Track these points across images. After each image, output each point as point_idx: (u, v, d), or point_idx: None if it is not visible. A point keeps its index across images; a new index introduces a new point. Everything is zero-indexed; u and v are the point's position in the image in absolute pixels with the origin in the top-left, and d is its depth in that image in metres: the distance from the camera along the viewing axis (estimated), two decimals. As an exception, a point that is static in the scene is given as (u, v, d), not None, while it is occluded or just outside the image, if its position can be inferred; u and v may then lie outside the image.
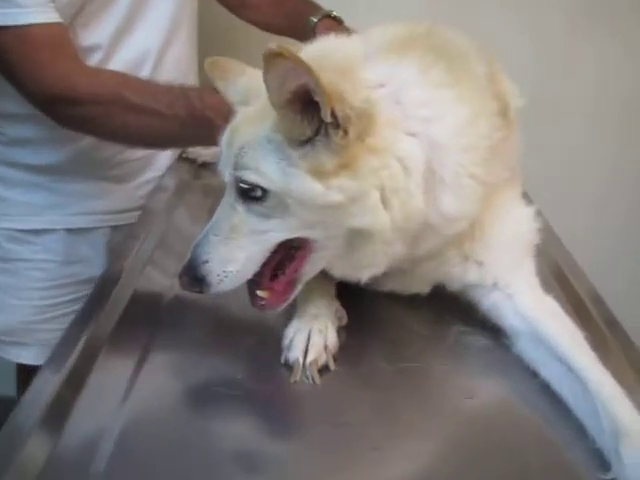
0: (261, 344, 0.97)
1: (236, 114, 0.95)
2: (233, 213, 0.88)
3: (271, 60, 0.75)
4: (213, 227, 0.90)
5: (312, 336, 0.92)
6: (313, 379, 0.89)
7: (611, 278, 1.60)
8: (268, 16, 1.69)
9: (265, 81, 0.78)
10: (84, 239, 1.53)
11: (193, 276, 0.89)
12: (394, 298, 1.05)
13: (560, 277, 1.16)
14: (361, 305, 1.04)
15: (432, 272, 1.01)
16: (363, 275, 0.94)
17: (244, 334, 1.00)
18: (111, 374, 0.92)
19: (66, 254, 1.52)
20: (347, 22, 1.57)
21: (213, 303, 1.04)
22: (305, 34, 1.52)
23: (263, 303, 0.92)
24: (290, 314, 0.97)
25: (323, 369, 0.91)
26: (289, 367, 0.91)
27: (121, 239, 1.45)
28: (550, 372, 0.90)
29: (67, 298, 1.53)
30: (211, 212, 1.36)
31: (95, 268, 1.53)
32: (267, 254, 0.89)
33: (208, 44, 1.71)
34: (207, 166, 1.64)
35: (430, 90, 0.90)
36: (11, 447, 0.75)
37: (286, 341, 0.93)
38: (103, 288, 1.11)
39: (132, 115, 1.18)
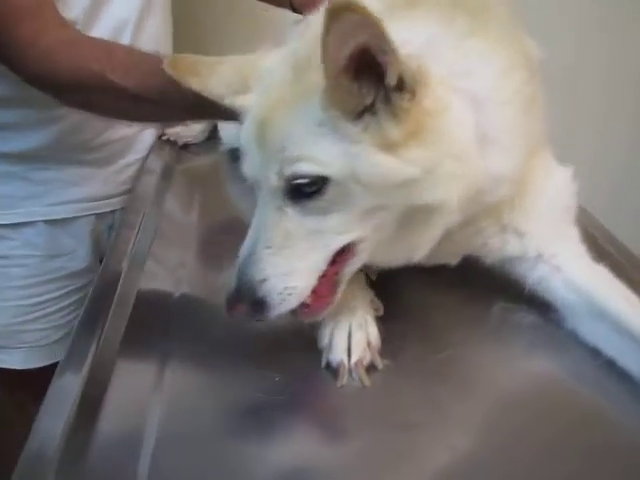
0: (294, 342, 0.88)
1: (248, 107, 0.83)
2: (283, 218, 0.77)
3: (337, 15, 0.64)
4: (260, 240, 0.78)
5: (353, 333, 0.83)
6: (361, 381, 0.81)
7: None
8: None
9: (325, 44, 0.67)
10: (66, 230, 1.43)
11: (253, 300, 0.77)
12: (424, 280, 0.97)
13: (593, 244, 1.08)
14: (392, 291, 0.96)
15: (465, 241, 0.93)
16: (417, 255, 0.85)
17: (270, 332, 0.90)
18: (131, 387, 0.82)
19: (48, 248, 1.42)
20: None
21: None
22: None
23: (306, 310, 0.81)
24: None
25: (370, 368, 0.83)
26: (330, 369, 0.83)
27: (113, 227, 1.40)
28: (612, 346, 0.84)
29: (52, 295, 1.45)
30: (202, 201, 1.32)
31: (79, 261, 1.46)
32: (329, 261, 0.79)
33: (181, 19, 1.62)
34: (188, 148, 1.60)
35: (458, 44, 0.81)
36: None
37: (325, 341, 0.84)
38: (104, 289, 1.01)
39: (121, 100, 1.08)
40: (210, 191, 1.41)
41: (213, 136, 1.59)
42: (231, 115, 0.88)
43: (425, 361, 0.86)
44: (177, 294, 1.01)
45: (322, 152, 0.73)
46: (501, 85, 0.82)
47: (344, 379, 0.81)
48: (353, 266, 0.82)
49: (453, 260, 0.96)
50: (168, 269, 1.08)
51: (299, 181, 0.75)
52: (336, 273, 0.81)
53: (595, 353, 0.85)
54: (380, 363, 0.83)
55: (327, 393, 0.82)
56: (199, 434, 0.75)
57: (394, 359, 0.85)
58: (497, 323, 0.93)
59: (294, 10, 1.42)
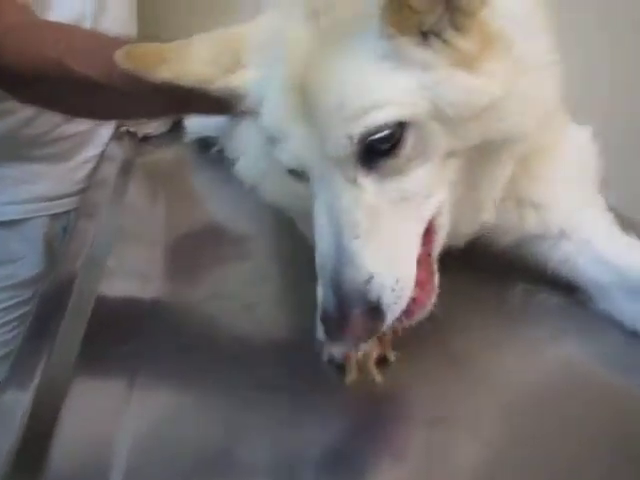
0: (285, 340, 0.78)
1: (269, 76, 0.70)
2: (360, 193, 0.65)
3: None
4: (343, 230, 0.64)
5: None
6: (372, 376, 0.69)
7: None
8: None
9: None
10: (15, 233, 1.33)
11: (367, 308, 0.63)
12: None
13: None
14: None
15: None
16: (483, 215, 0.79)
17: (257, 330, 0.81)
18: (92, 407, 0.69)
19: (-5, 253, 1.31)
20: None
21: (205, 306, 0.88)
22: None
23: (414, 307, 0.67)
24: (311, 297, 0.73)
25: (380, 361, 0.71)
26: (334, 364, 0.71)
27: (68, 230, 1.26)
28: None
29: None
30: (166, 196, 1.22)
31: (30, 268, 1.34)
32: (422, 232, 0.68)
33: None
34: (149, 140, 1.52)
35: None
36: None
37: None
38: (56, 292, 0.88)
39: (83, 91, 0.93)
40: (174, 186, 1.32)
41: (175, 128, 1.51)
42: (217, 105, 0.76)
43: (441, 351, 0.75)
44: (144, 297, 0.89)
45: (396, 91, 0.63)
46: (534, 11, 0.74)
47: (353, 375, 0.69)
48: (439, 244, 0.72)
49: (461, 239, 0.84)
50: (132, 269, 0.98)
51: (376, 136, 0.63)
52: (429, 254, 0.70)
53: (631, 334, 0.76)
54: (392, 355, 0.72)
55: (332, 393, 0.70)
56: (176, 463, 0.62)
57: (407, 350, 0.73)
58: (518, 306, 0.84)
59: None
